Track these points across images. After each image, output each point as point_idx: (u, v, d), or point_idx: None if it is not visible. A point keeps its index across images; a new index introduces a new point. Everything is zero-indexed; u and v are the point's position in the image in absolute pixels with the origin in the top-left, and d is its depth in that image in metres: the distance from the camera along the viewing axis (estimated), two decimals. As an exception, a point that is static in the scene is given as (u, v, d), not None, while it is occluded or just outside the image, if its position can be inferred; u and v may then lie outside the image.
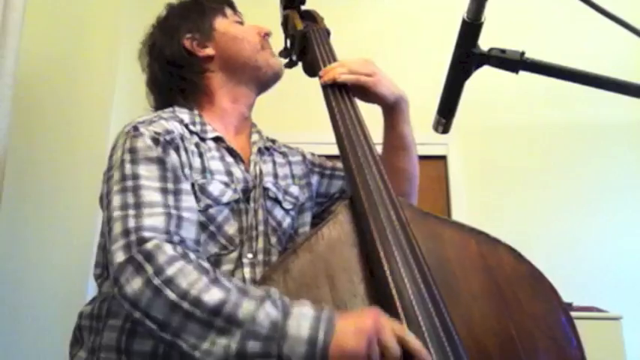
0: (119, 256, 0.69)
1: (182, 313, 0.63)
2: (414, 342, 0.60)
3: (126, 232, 0.71)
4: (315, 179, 1.10)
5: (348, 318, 0.63)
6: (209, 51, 0.99)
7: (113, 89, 1.87)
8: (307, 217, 1.05)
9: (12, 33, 1.33)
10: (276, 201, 0.96)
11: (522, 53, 0.66)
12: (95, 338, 0.82)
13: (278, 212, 0.96)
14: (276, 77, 1.03)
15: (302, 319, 0.61)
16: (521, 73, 0.66)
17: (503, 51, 0.67)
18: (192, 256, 0.70)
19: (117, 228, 0.72)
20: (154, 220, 0.72)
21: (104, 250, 0.89)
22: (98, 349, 0.80)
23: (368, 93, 0.97)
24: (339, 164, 1.10)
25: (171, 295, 0.64)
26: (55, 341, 1.47)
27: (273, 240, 0.91)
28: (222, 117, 0.98)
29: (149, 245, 0.68)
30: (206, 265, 0.69)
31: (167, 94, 1.00)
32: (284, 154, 1.09)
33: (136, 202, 0.74)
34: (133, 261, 0.67)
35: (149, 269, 0.66)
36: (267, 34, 1.04)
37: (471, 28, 0.68)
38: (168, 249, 0.68)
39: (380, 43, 2.79)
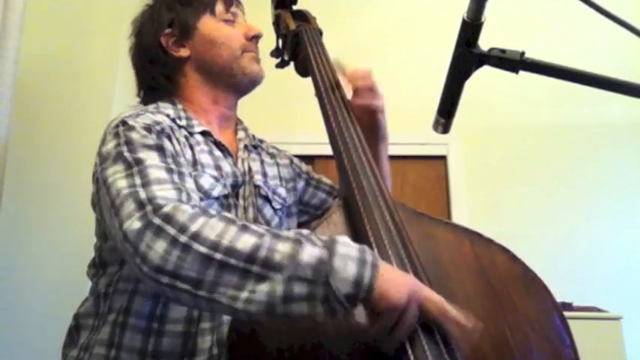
0: (135, 226, 0.64)
1: (216, 264, 0.60)
2: (452, 311, 0.59)
3: (140, 205, 0.66)
4: (300, 185, 1.09)
5: (391, 268, 0.62)
6: (184, 52, 0.96)
7: (113, 89, 1.87)
8: (293, 222, 1.03)
9: (12, 33, 1.33)
10: (267, 199, 0.96)
11: (522, 53, 0.66)
12: (93, 335, 0.82)
13: (267, 211, 0.95)
14: (252, 85, 1.00)
15: (348, 260, 0.59)
16: (521, 73, 0.66)
17: (503, 51, 0.67)
18: (212, 211, 0.67)
19: (129, 205, 0.67)
20: (165, 192, 0.69)
21: (99, 249, 0.89)
22: (92, 346, 0.80)
23: (369, 113, 0.95)
24: (325, 179, 1.11)
25: (202, 249, 0.60)
26: (53, 340, 1.47)
27: None
28: (204, 114, 0.97)
29: (166, 208, 0.65)
30: (230, 215, 0.66)
31: (146, 90, 1.00)
32: (272, 155, 1.07)
33: (143, 181, 0.70)
34: (151, 225, 0.63)
35: (171, 230, 0.62)
36: (255, 37, 1.00)
37: (470, 28, 0.67)
38: (187, 208, 0.65)
39: (380, 43, 2.80)
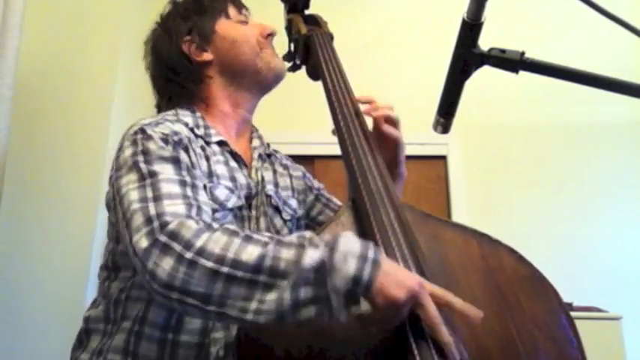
0: (143, 243, 0.65)
1: (223, 277, 0.60)
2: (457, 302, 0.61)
3: (148, 220, 0.67)
4: (310, 198, 1.09)
5: (395, 265, 0.62)
6: (207, 56, 0.97)
7: (113, 89, 1.87)
8: None
9: (12, 33, 1.33)
10: (277, 210, 0.96)
11: (522, 53, 0.66)
12: (107, 341, 0.82)
13: (278, 221, 0.95)
14: (277, 79, 1.01)
15: (349, 256, 0.59)
16: (521, 73, 0.66)
17: (503, 51, 0.67)
18: (215, 225, 0.67)
19: (137, 219, 0.68)
20: (175, 208, 0.70)
21: (111, 252, 0.88)
22: (106, 351, 0.80)
23: (388, 144, 0.94)
24: (335, 199, 1.12)
25: (208, 263, 0.61)
26: (54, 340, 1.47)
27: None
28: (223, 120, 0.97)
29: (171, 225, 0.66)
30: (232, 227, 0.66)
31: (166, 99, 1.00)
32: (285, 166, 1.08)
33: (155, 195, 0.71)
34: (158, 243, 0.64)
35: (177, 247, 0.63)
36: (270, 35, 1.02)
37: (470, 28, 0.68)
38: (192, 224, 0.66)
39: (380, 43, 2.80)
